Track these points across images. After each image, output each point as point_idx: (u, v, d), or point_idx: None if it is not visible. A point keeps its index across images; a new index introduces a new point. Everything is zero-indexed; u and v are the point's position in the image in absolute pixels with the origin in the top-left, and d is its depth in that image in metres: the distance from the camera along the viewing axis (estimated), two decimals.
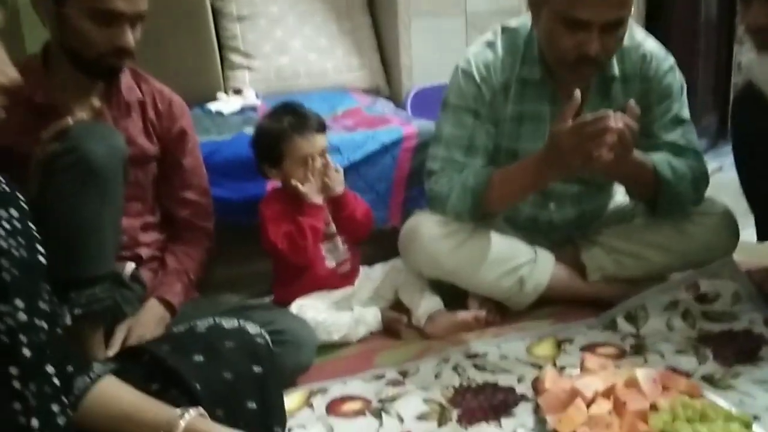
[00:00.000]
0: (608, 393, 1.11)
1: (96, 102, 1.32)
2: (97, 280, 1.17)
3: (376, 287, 1.62)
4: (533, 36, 1.45)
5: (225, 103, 2.08)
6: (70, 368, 0.90)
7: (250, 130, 1.73)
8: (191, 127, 1.46)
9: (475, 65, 1.47)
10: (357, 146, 1.76)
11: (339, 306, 1.55)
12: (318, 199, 1.49)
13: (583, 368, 1.23)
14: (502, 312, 1.55)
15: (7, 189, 0.82)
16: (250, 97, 2.15)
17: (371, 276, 1.64)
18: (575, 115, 1.25)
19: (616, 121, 1.21)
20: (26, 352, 0.75)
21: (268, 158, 1.53)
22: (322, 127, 1.53)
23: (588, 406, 1.08)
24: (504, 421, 1.16)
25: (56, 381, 0.79)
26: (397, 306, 1.59)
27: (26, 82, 1.24)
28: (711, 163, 2.56)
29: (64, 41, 1.24)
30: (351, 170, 1.74)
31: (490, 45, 1.49)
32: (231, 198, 1.62)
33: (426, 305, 1.51)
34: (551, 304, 1.55)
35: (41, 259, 0.83)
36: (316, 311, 1.47)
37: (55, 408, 0.79)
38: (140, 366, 1.00)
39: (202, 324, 1.12)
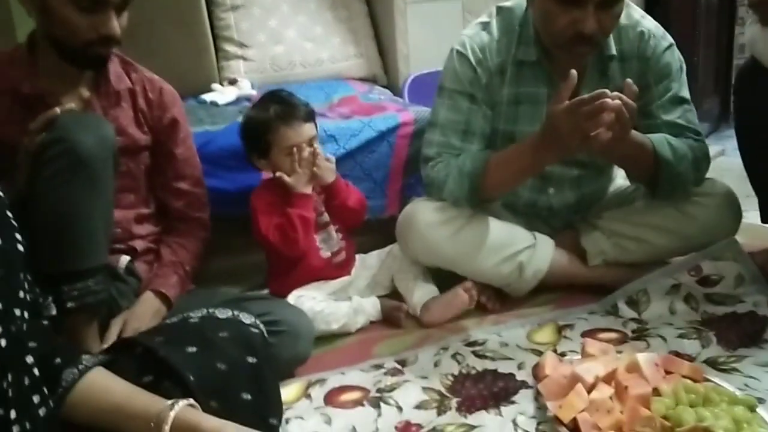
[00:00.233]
0: (609, 378, 1.09)
1: (84, 92, 1.30)
2: (89, 273, 1.15)
3: (374, 274, 1.60)
4: (529, 16, 1.43)
5: (220, 94, 2.06)
6: (57, 360, 0.88)
7: None
8: (183, 116, 1.43)
9: (471, 48, 1.44)
10: (353, 134, 1.73)
11: (337, 296, 1.53)
12: (306, 188, 1.47)
13: (583, 353, 1.21)
14: (502, 299, 1.53)
15: None
16: (245, 87, 2.13)
17: (367, 263, 1.62)
18: (572, 96, 1.23)
19: (613, 99, 1.19)
20: (2, 341, 0.73)
21: (256, 148, 1.51)
22: (309, 116, 1.50)
23: (589, 391, 1.06)
24: (504, 408, 1.14)
25: (36, 372, 0.78)
26: (397, 293, 1.57)
27: (12, 72, 1.25)
28: (713, 147, 2.55)
29: (49, 31, 1.22)
30: (347, 158, 1.72)
31: (486, 26, 1.47)
32: (226, 188, 1.61)
33: (419, 294, 1.49)
34: (551, 290, 1.53)
35: (20, 247, 0.81)
36: (314, 302, 1.45)
37: (35, 399, 0.77)
38: (133, 358, 0.99)
39: (196, 315, 1.11)
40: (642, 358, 1.11)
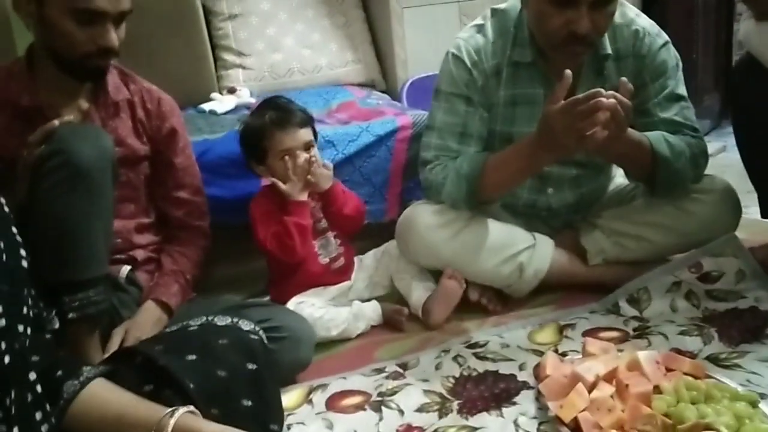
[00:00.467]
0: (610, 377, 1.09)
1: (83, 103, 1.31)
2: (90, 283, 1.16)
3: (371, 275, 1.60)
4: (523, 18, 1.43)
5: (219, 103, 2.07)
6: (59, 373, 0.89)
7: None
8: (182, 125, 1.44)
9: (466, 50, 1.45)
10: (351, 139, 1.74)
11: (337, 301, 1.53)
12: (301, 196, 1.48)
13: (584, 353, 1.21)
14: (503, 300, 1.53)
15: None
16: (244, 96, 2.14)
17: (364, 264, 1.63)
18: (568, 96, 1.23)
19: (608, 98, 1.19)
20: (6, 358, 0.73)
21: (253, 154, 1.52)
22: (305, 122, 1.51)
23: (590, 390, 1.06)
24: (505, 409, 1.14)
25: (39, 388, 0.78)
26: (396, 292, 1.57)
27: (12, 85, 1.26)
28: (715, 143, 2.54)
29: (48, 43, 1.23)
30: (346, 164, 1.73)
31: (480, 29, 1.47)
32: (225, 196, 1.61)
33: (417, 294, 1.49)
34: (552, 290, 1.53)
35: (24, 263, 0.82)
36: (314, 308, 1.45)
37: (37, 416, 0.77)
38: (133, 367, 0.99)
39: (195, 323, 1.12)
40: (643, 356, 1.11)
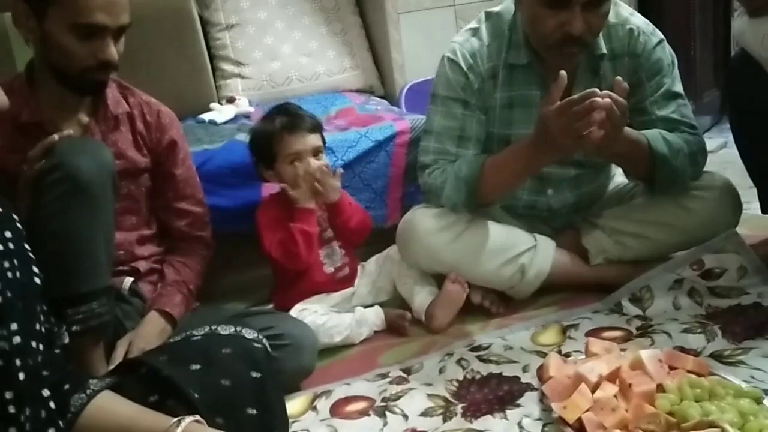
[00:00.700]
0: (613, 376, 1.09)
1: (83, 117, 1.32)
2: (93, 296, 1.17)
3: (373, 280, 1.61)
4: (517, 20, 1.44)
5: (218, 113, 2.08)
6: (67, 386, 0.89)
7: (241, 137, 1.73)
8: (182, 137, 1.45)
9: (461, 54, 1.45)
10: (350, 145, 1.75)
11: (340, 307, 1.54)
12: (309, 203, 1.48)
13: (587, 353, 1.21)
14: (505, 302, 1.53)
15: (0, 210, 0.82)
16: (243, 105, 2.15)
17: (367, 270, 1.63)
18: (565, 97, 1.23)
19: (603, 97, 1.19)
20: (21, 375, 0.74)
21: (262, 159, 1.53)
22: (315, 128, 1.53)
23: (593, 390, 1.06)
24: (509, 412, 1.14)
25: (52, 405, 0.79)
26: (400, 297, 1.57)
27: (12, 101, 1.26)
28: (715, 140, 2.54)
29: (48, 58, 1.24)
30: (346, 170, 1.73)
31: (475, 32, 1.48)
32: (226, 206, 1.62)
33: (420, 299, 1.49)
34: (555, 291, 1.53)
35: (36, 280, 0.83)
36: (316, 315, 1.46)
37: None
38: (138, 378, 1.00)
39: (198, 332, 1.12)
40: (645, 354, 1.11)
